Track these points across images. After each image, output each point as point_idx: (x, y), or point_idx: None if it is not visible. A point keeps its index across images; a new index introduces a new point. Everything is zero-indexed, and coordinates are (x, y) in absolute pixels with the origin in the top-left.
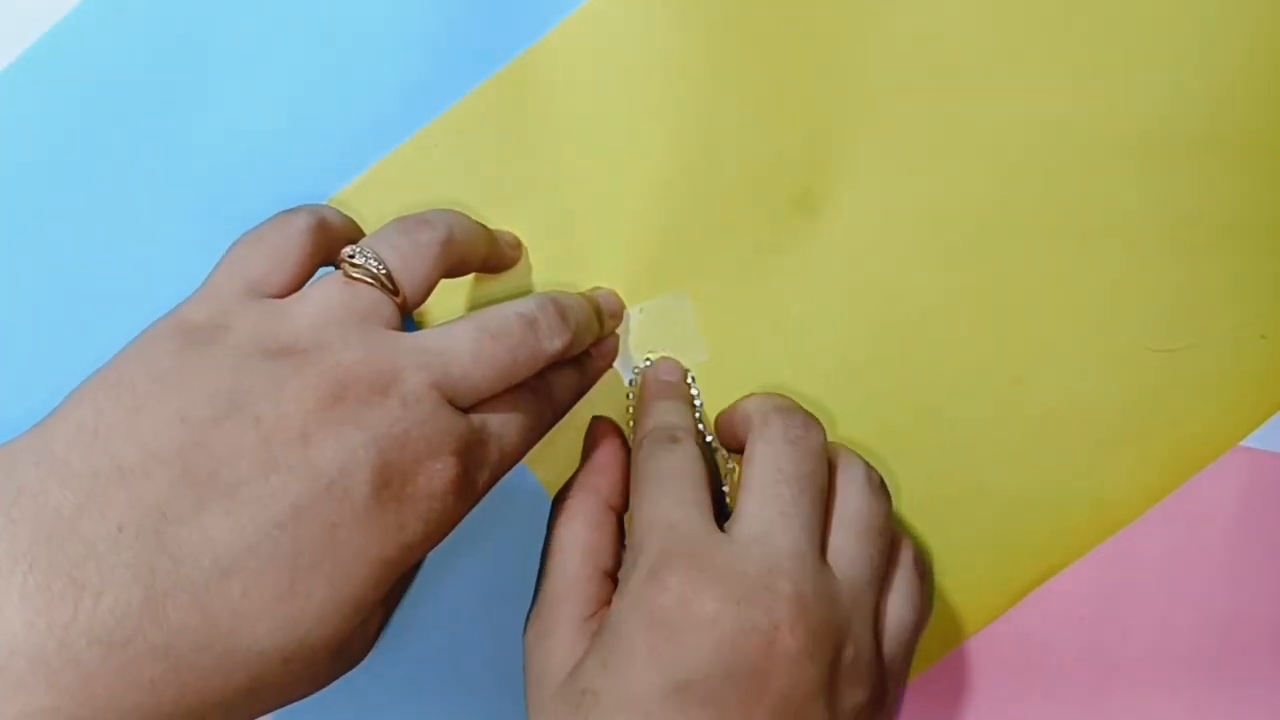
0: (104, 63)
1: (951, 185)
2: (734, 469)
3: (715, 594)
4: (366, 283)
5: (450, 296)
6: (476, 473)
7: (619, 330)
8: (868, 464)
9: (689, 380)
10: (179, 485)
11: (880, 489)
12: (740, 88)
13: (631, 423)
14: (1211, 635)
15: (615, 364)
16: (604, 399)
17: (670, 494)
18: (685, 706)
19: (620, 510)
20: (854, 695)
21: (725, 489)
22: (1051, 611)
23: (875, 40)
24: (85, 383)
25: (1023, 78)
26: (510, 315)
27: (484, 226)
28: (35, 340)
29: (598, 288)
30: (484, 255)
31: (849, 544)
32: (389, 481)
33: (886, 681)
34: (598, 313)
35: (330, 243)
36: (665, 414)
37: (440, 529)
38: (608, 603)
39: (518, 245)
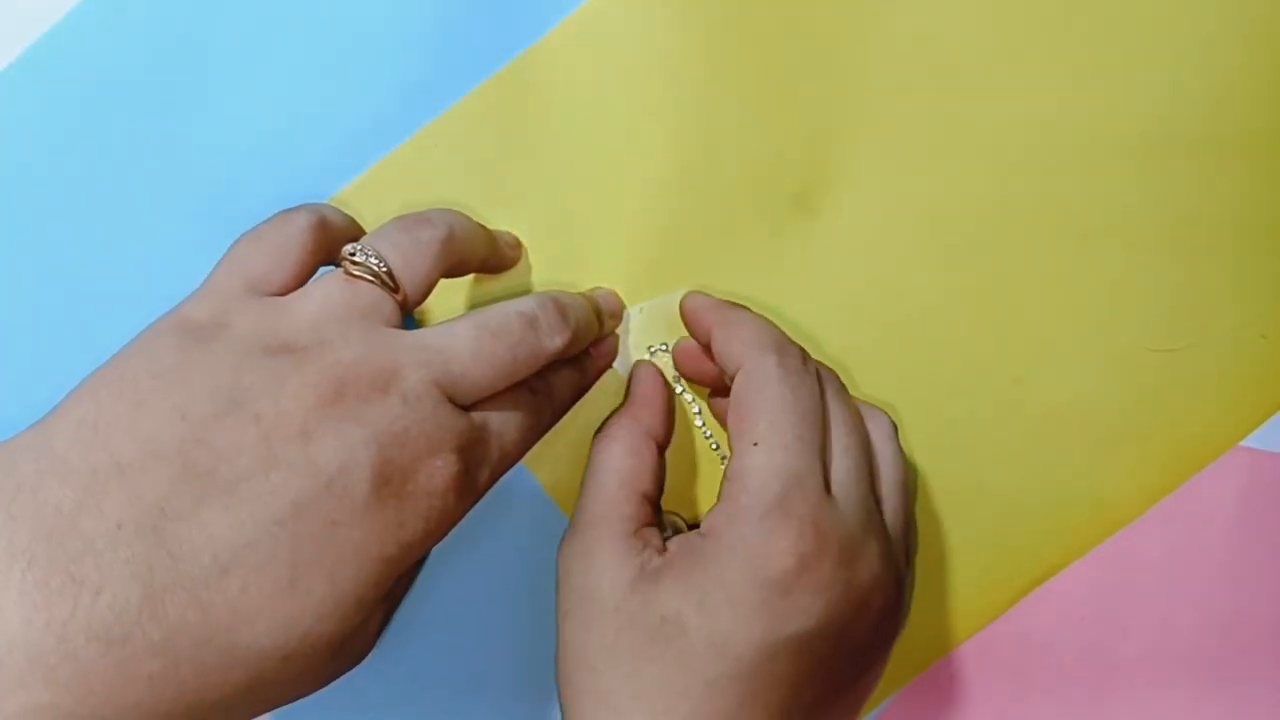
0: (104, 63)
1: (951, 185)
2: (702, 409)
3: (833, 560)
4: (367, 280)
5: (450, 296)
6: (477, 471)
7: (619, 330)
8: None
9: (665, 347)
10: (179, 482)
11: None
12: (740, 88)
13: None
14: (1211, 635)
15: (615, 364)
16: (604, 399)
17: (801, 438)
18: (776, 656)
19: (661, 442)
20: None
21: (708, 433)
22: (1051, 611)
23: (875, 40)
24: (86, 380)
25: (1023, 78)
26: (511, 313)
27: (484, 226)
28: (35, 340)
29: (598, 288)
30: (484, 255)
31: (890, 498)
32: (389, 479)
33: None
34: (597, 312)
35: (331, 241)
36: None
37: (440, 527)
38: (650, 523)
39: (518, 245)
